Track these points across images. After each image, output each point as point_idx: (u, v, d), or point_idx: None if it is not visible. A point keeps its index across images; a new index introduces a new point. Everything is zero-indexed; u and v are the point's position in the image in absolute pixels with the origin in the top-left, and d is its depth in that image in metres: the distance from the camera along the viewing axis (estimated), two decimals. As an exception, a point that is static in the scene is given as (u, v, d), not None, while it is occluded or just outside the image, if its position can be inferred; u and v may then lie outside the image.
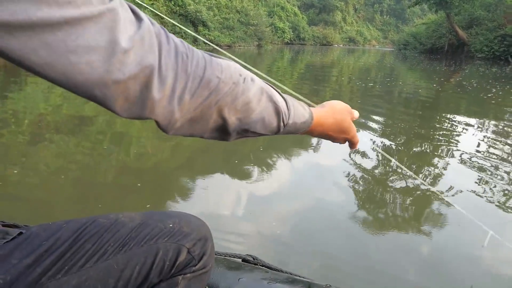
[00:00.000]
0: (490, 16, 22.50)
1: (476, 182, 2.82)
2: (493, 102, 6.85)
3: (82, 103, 5.02)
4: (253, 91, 0.46)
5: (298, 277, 1.07)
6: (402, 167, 3.14)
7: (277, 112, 0.50)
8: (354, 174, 2.97)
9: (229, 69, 0.44)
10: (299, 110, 0.54)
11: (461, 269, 1.80)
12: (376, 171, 3.12)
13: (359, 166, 3.16)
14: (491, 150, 3.73)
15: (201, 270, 0.70)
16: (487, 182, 2.83)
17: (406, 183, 2.85)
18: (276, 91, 0.52)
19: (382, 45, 59.17)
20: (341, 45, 52.69)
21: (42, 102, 5.29)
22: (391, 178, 3.00)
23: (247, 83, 0.46)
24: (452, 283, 1.70)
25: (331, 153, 3.49)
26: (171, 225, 0.69)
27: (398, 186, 2.79)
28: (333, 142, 0.68)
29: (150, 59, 0.37)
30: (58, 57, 0.32)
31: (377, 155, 3.41)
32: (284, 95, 0.53)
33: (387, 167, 3.22)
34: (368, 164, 3.23)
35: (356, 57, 23.95)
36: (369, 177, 2.97)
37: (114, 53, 0.34)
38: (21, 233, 0.63)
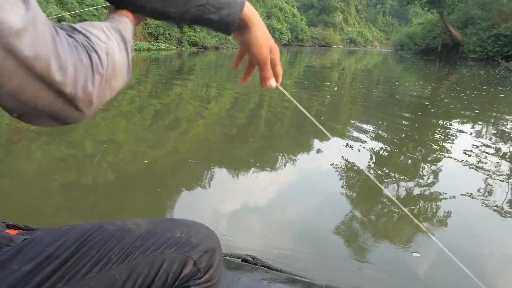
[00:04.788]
0: (485, 15, 21.52)
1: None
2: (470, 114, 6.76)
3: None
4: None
5: (298, 277, 1.12)
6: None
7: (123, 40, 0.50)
8: (358, 179, 2.95)
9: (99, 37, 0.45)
10: None
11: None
12: (375, 172, 3.16)
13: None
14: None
15: (206, 283, 0.67)
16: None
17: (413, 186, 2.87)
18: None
19: (384, 46, 58.32)
20: (341, 46, 52.24)
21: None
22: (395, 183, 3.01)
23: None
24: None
25: (337, 156, 3.43)
26: (178, 235, 0.67)
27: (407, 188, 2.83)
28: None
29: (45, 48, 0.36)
30: None
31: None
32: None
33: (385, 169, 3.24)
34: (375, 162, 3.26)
35: (356, 60, 22.55)
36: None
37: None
38: (25, 239, 0.62)
